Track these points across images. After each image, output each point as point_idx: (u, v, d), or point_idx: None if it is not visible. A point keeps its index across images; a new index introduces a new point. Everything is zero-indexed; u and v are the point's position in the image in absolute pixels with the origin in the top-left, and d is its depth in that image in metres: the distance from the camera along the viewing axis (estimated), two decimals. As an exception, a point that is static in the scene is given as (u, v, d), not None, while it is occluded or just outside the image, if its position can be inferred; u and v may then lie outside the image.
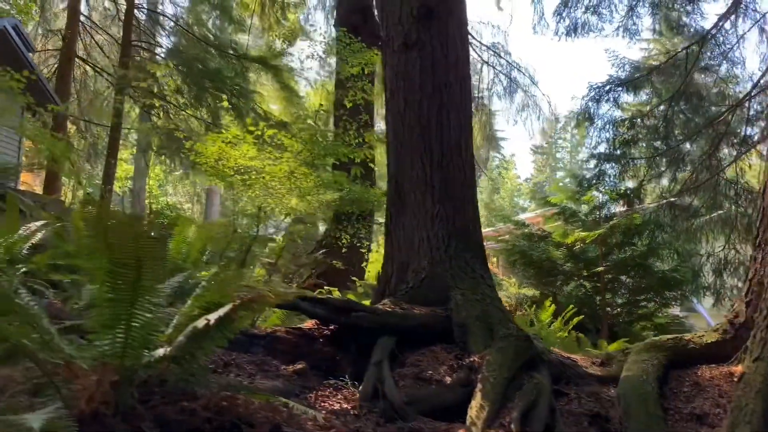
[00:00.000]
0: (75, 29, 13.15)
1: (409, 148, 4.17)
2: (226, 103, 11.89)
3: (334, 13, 16.01)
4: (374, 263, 9.46)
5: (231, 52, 12.65)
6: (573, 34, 12.92)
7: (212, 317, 2.05)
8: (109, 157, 12.06)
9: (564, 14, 12.30)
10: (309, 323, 3.56)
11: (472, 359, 3.24)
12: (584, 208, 11.20)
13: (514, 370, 3.16)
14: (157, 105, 12.65)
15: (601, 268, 9.78)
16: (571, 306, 7.82)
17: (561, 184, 13.01)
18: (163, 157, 14.52)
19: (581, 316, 7.77)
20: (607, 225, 10.22)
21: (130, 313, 2.04)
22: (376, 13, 10.31)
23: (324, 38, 13.53)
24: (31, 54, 11.46)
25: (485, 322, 3.48)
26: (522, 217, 14.88)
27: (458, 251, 3.92)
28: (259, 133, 5.19)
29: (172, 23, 13.76)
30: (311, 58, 11.25)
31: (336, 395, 3.16)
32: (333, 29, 15.32)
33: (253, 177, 5.04)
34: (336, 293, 5.27)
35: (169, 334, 2.26)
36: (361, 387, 3.14)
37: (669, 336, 3.83)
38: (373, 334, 3.46)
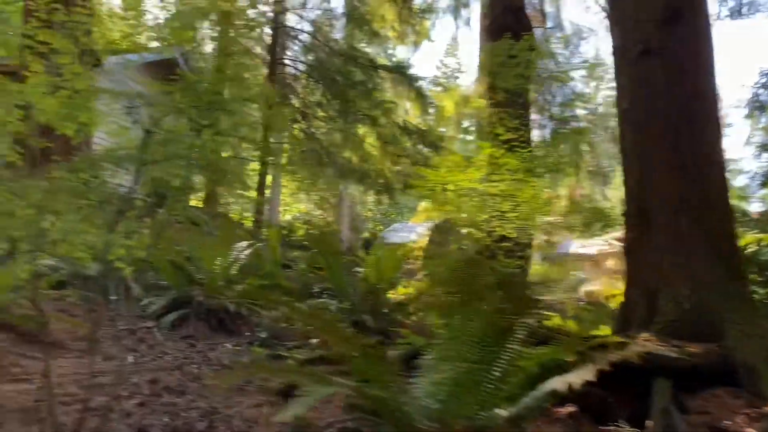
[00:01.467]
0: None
1: (655, 163, 3.80)
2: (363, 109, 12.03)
3: (461, 14, 15.80)
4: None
5: (368, 63, 12.88)
6: (737, 16, 11.70)
7: (576, 381, 1.88)
8: (261, 170, 12.85)
9: (729, -4, 11.14)
10: (568, 360, 3.34)
11: (776, 409, 2.85)
12: (756, 206, 10.01)
13: (834, 424, 2.73)
14: (299, 119, 13.23)
15: (778, 272, 8.64)
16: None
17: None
18: (300, 166, 15.10)
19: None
20: (787, 225, 9.01)
21: (488, 374, 1.95)
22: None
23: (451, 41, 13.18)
24: (195, 79, 12.28)
25: (778, 364, 3.05)
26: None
27: (722, 277, 3.50)
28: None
29: (308, 38, 14.24)
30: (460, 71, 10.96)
31: (619, 443, 2.91)
32: (461, 31, 14.99)
33: (475, 199, 4.97)
34: (557, 320, 5.01)
35: (505, 391, 2.14)
36: (648, 436, 2.87)
37: None
38: (641, 375, 3.17)
